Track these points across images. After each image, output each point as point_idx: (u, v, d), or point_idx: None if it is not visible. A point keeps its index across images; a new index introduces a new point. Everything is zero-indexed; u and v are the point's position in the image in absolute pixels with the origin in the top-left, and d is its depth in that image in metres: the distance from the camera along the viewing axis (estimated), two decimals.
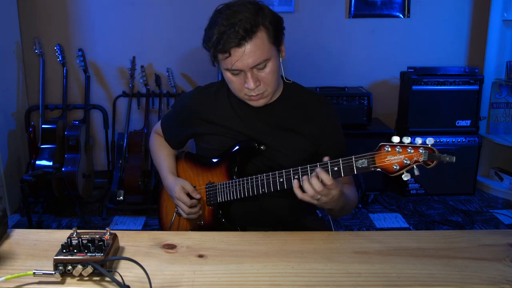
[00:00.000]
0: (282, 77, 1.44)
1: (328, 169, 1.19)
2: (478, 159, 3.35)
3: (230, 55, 1.25)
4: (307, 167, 1.23)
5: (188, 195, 1.45)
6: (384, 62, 3.55)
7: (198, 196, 1.46)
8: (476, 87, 3.28)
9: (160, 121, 1.66)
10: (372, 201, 3.30)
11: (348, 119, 3.23)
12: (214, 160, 1.47)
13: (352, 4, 3.44)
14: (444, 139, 3.30)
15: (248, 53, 1.24)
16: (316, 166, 1.21)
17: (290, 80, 1.46)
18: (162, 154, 1.60)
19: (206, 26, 1.30)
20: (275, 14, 1.31)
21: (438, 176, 3.33)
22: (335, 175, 1.19)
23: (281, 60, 1.36)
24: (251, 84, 1.29)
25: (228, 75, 1.32)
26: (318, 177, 1.19)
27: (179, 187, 1.46)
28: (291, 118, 1.42)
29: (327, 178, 1.18)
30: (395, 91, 3.58)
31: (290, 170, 1.26)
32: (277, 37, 1.30)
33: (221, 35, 1.23)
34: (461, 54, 3.57)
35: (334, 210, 1.31)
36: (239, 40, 1.22)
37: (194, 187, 1.49)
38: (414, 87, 3.28)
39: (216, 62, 1.32)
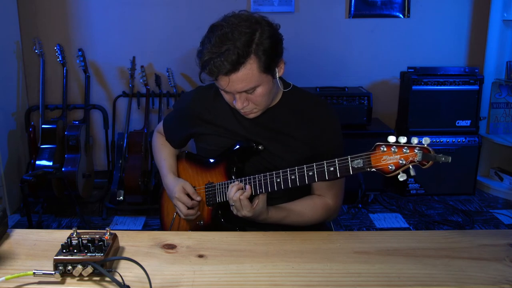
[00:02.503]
0: (281, 79, 1.42)
1: (324, 169, 1.19)
2: (478, 159, 3.35)
3: (217, 79, 1.25)
4: (303, 167, 1.22)
5: (188, 196, 1.46)
6: (384, 62, 3.55)
7: (198, 198, 1.46)
8: (476, 87, 3.28)
9: (163, 121, 1.67)
10: (372, 201, 3.30)
11: (348, 119, 3.23)
12: (213, 160, 1.47)
13: (352, 4, 3.44)
14: (444, 139, 3.30)
15: (234, 81, 1.22)
16: (313, 166, 1.20)
17: (290, 85, 1.43)
18: (163, 153, 1.61)
19: (202, 38, 1.27)
20: (273, 38, 1.23)
21: (438, 176, 3.33)
22: (331, 175, 1.18)
23: (278, 76, 1.31)
24: (238, 104, 1.29)
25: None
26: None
27: (180, 187, 1.46)
28: (289, 123, 1.41)
29: (245, 194, 1.28)
30: (395, 91, 3.58)
31: (287, 171, 1.26)
32: (270, 65, 1.24)
33: (208, 60, 1.21)
34: (461, 54, 3.57)
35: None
36: (226, 71, 1.20)
37: (194, 187, 1.49)
38: (414, 87, 3.28)
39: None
